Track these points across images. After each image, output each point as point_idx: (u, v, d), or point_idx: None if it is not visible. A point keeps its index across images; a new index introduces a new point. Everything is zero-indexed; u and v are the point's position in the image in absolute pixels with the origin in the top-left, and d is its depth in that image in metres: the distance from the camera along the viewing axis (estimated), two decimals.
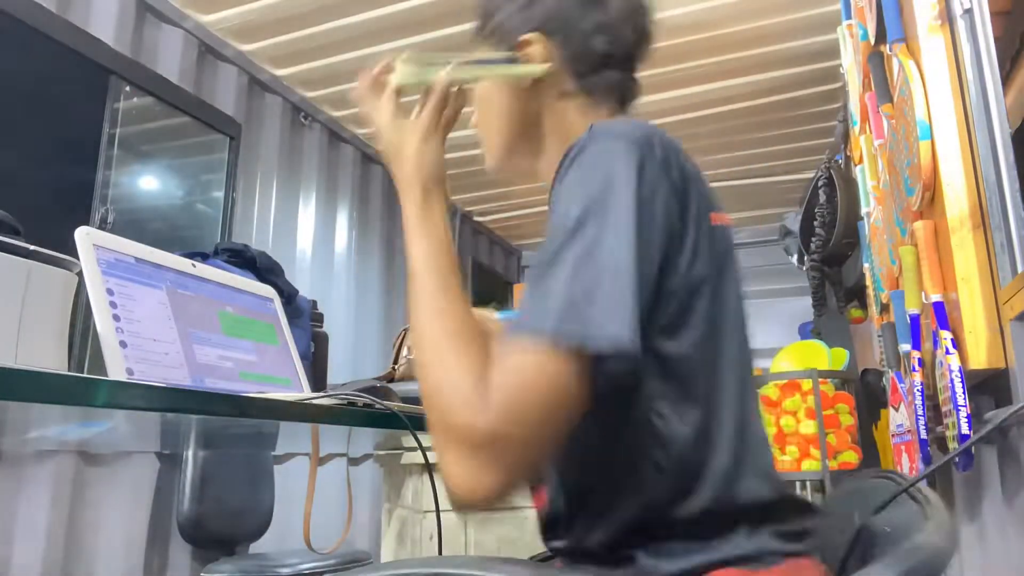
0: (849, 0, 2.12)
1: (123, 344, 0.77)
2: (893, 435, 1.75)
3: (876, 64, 1.66)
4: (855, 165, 2.25)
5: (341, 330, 3.17)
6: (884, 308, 1.87)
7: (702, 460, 0.64)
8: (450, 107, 0.77)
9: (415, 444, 0.91)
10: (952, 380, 1.18)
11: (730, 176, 4.02)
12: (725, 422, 0.66)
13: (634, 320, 0.56)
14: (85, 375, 0.51)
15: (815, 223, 3.06)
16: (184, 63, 2.65)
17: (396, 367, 1.61)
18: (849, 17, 2.13)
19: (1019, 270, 1.14)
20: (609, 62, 0.80)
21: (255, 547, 2.53)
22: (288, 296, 1.42)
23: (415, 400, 0.85)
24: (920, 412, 1.39)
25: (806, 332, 4.02)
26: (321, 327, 1.58)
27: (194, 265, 0.97)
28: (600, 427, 0.65)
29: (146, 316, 0.83)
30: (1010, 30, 1.33)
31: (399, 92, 0.77)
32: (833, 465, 2.30)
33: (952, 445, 1.21)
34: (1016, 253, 1.16)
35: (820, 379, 2.37)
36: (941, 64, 1.32)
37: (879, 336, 1.96)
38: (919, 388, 1.40)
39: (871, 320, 2.30)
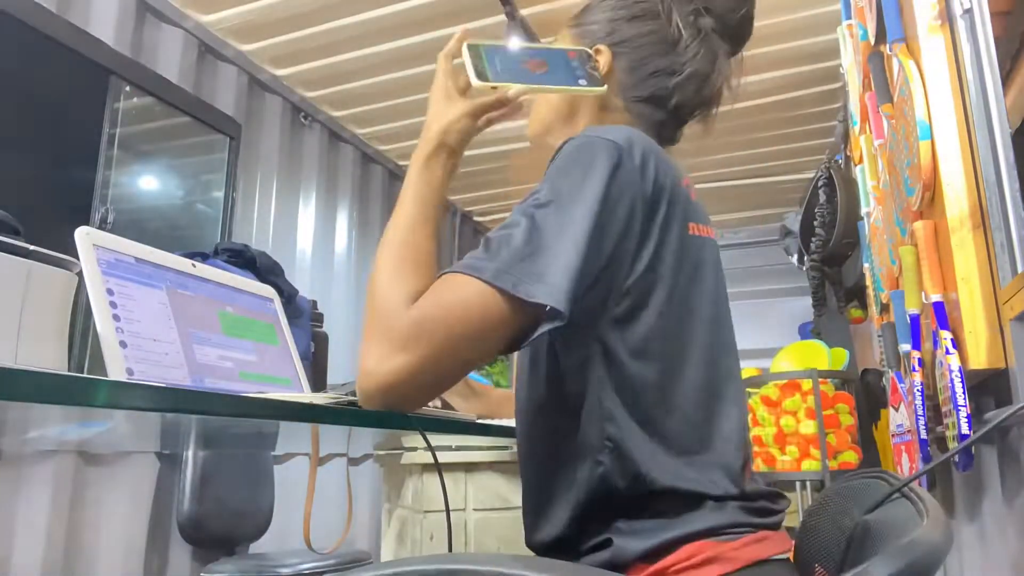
0: (849, 0, 2.12)
1: (123, 344, 0.77)
2: (893, 435, 1.75)
3: (876, 64, 1.66)
4: (855, 165, 2.25)
5: (341, 330, 3.17)
6: (884, 308, 1.87)
7: (652, 454, 0.68)
8: (500, 112, 0.82)
9: (415, 444, 0.91)
10: (952, 380, 1.18)
11: (730, 176, 4.02)
12: (679, 423, 0.69)
13: (569, 288, 0.63)
14: (85, 375, 0.51)
15: (815, 223, 3.06)
16: (184, 63, 2.65)
17: None
18: (849, 17, 2.12)
19: (1019, 270, 1.14)
20: (659, 103, 0.88)
21: (255, 547, 2.53)
22: (288, 296, 1.42)
23: None
24: (920, 412, 1.39)
25: (806, 332, 4.03)
26: (321, 327, 1.57)
27: (194, 265, 0.97)
28: (555, 423, 0.73)
29: (146, 316, 0.83)
30: (1010, 30, 1.33)
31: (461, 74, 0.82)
32: (833, 465, 2.30)
33: (952, 445, 1.21)
34: (1016, 253, 1.16)
35: (820, 379, 2.37)
36: (941, 64, 1.32)
37: (879, 336, 1.95)
38: (919, 388, 1.40)
39: (871, 320, 2.30)
